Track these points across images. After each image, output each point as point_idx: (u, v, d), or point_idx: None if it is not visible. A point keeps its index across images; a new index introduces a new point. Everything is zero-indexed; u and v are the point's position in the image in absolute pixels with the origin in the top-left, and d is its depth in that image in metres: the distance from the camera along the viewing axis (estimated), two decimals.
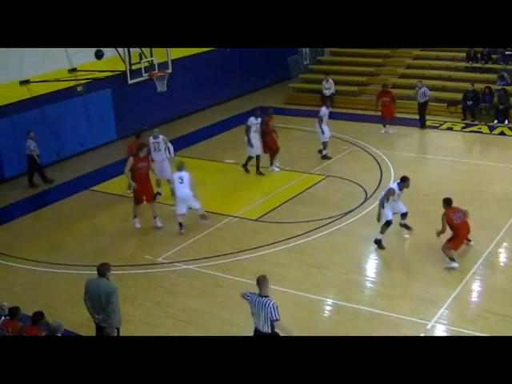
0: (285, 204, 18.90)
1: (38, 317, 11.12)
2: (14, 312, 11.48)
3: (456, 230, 14.90)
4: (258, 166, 21.43)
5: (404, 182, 16.03)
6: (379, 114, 25.33)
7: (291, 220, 17.71)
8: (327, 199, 19.15)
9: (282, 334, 10.66)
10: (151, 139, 19.46)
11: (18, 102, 21.95)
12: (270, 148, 21.69)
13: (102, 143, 25.26)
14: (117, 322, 11.72)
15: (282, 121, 26.89)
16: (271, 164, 21.82)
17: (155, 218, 17.99)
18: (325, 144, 22.43)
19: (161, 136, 19.60)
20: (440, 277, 14.51)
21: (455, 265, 14.76)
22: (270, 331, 10.52)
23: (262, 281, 10.68)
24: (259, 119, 21.24)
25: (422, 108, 25.47)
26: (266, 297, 10.54)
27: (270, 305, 10.39)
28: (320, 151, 22.70)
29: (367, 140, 23.93)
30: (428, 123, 25.69)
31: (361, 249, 16.51)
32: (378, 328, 12.70)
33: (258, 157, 21.36)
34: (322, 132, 22.24)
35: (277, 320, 10.43)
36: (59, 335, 10.70)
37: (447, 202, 15.20)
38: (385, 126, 25.23)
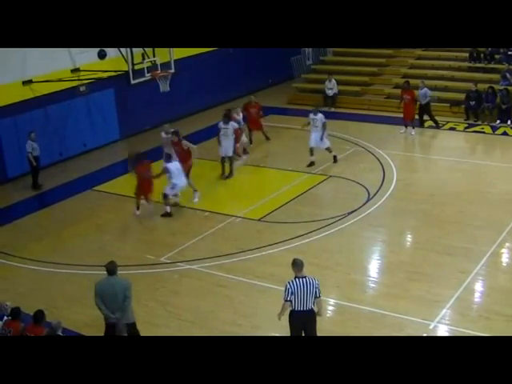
0: (287, 204, 18.90)
1: (40, 316, 11.15)
2: (16, 312, 11.49)
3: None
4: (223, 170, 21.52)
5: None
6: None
7: (294, 220, 17.70)
8: (330, 199, 19.17)
9: (320, 310, 11.22)
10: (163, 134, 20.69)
11: (21, 102, 21.98)
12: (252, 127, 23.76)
13: (104, 143, 25.28)
14: (132, 316, 11.73)
15: (285, 121, 26.99)
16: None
17: (195, 191, 19.44)
18: (311, 150, 21.80)
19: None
20: (442, 277, 14.50)
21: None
22: (312, 308, 10.99)
23: (300, 263, 11.04)
24: (228, 125, 21.21)
25: (425, 109, 25.31)
26: (305, 276, 10.92)
27: (317, 282, 10.91)
28: (334, 157, 22.07)
29: (370, 140, 23.90)
30: (430, 123, 25.58)
31: (363, 249, 16.52)
32: (379, 328, 12.69)
33: (223, 159, 21.40)
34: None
35: (319, 297, 10.97)
36: (60, 333, 10.73)
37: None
38: (406, 127, 24.78)
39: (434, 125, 25.30)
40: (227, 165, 21.27)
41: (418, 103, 25.23)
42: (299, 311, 10.90)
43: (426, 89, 25.08)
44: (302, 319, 10.98)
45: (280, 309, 11.16)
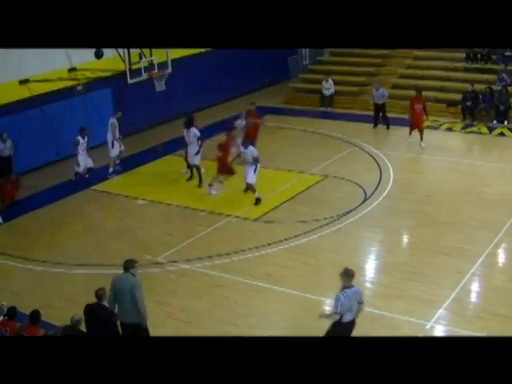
0: (284, 204, 18.91)
1: (36, 315, 11.14)
2: (12, 312, 11.47)
3: None
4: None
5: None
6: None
7: (290, 220, 17.71)
8: (326, 199, 19.16)
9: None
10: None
11: (18, 102, 21.95)
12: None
13: (101, 142, 25.24)
14: (138, 317, 11.62)
15: (282, 121, 26.98)
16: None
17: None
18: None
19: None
20: (439, 277, 14.52)
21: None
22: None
23: (352, 273, 10.94)
24: (189, 132, 20.60)
25: (381, 109, 25.48)
26: (353, 286, 10.93)
27: (360, 289, 11.06)
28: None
29: (367, 140, 23.94)
30: (427, 123, 25.67)
31: (360, 249, 16.53)
32: (376, 328, 12.68)
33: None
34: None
35: (362, 303, 11.05)
36: (81, 329, 10.76)
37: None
38: (410, 134, 23.81)
39: (430, 124, 25.41)
40: (195, 171, 20.79)
41: (374, 103, 25.49)
42: (349, 322, 10.84)
43: (382, 89, 25.39)
44: (351, 329, 10.91)
45: (325, 317, 11.26)
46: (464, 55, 28.86)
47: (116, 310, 11.63)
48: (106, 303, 11.30)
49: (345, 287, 10.77)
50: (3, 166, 21.37)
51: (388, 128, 25.47)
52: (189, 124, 20.65)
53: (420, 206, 18.23)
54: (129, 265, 11.65)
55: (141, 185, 21.10)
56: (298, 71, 33.05)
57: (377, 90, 25.44)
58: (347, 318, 10.77)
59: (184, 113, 21.84)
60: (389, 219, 17.77)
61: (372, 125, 25.77)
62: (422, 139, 23.49)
